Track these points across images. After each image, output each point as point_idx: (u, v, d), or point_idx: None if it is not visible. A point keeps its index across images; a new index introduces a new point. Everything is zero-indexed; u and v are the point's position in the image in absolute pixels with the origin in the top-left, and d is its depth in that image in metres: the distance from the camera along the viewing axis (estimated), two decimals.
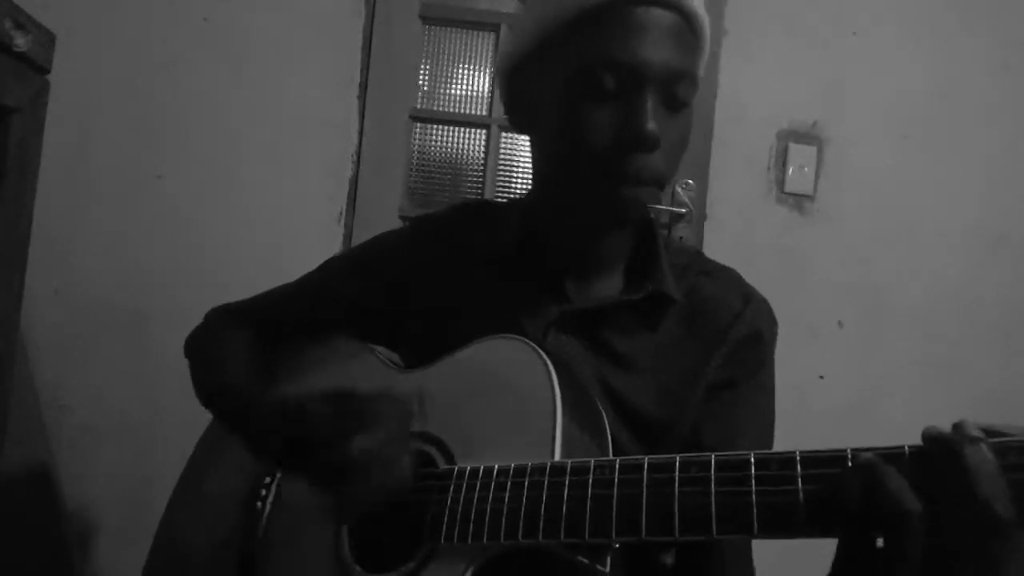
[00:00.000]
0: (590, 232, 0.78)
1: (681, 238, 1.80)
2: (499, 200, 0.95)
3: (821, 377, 1.80)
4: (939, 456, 0.45)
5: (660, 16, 0.68)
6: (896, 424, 1.76)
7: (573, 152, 0.71)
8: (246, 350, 0.87)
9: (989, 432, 0.45)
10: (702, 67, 0.76)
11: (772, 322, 0.81)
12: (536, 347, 0.69)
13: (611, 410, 0.73)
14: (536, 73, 0.75)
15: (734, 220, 1.82)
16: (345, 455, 0.63)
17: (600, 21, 0.68)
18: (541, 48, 0.74)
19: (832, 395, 1.79)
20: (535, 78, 0.75)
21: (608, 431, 0.68)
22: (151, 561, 0.87)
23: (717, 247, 1.79)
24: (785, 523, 0.50)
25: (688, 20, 0.70)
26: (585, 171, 0.70)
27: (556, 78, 0.71)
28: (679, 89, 0.69)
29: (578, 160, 0.70)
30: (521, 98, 0.79)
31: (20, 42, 0.97)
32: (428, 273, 0.84)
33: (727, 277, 0.83)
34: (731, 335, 0.77)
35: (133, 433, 1.71)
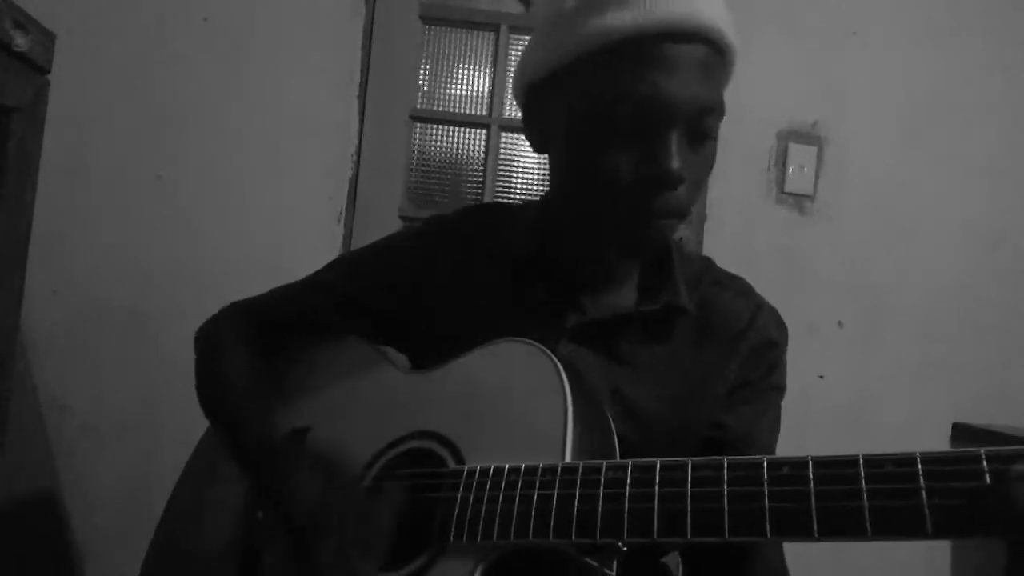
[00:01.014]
0: (608, 257, 0.79)
1: (681, 238, 1.80)
2: (512, 203, 0.95)
3: (821, 377, 1.80)
4: None
5: (690, 50, 0.65)
6: (896, 424, 1.76)
7: (596, 187, 0.69)
8: (252, 352, 0.87)
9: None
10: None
11: (783, 330, 0.82)
12: (548, 352, 0.69)
13: (623, 419, 0.73)
14: (555, 97, 0.73)
15: (734, 220, 1.82)
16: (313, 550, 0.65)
17: (625, 55, 0.65)
18: (563, 71, 0.71)
19: (832, 395, 1.79)
20: (554, 101, 0.73)
21: (616, 439, 0.68)
22: (150, 559, 0.87)
23: (717, 247, 1.79)
24: (797, 526, 0.49)
25: (719, 50, 0.68)
26: (607, 207, 0.69)
27: (577, 107, 0.69)
28: (707, 123, 0.67)
29: (600, 196, 0.69)
30: (537, 118, 0.77)
31: (20, 42, 0.97)
32: (439, 274, 0.84)
33: (738, 287, 0.83)
34: (743, 345, 0.78)
35: (133, 433, 1.71)
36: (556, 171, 0.77)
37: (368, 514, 0.67)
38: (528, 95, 0.77)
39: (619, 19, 0.65)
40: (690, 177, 0.68)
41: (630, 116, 0.66)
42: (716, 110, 0.68)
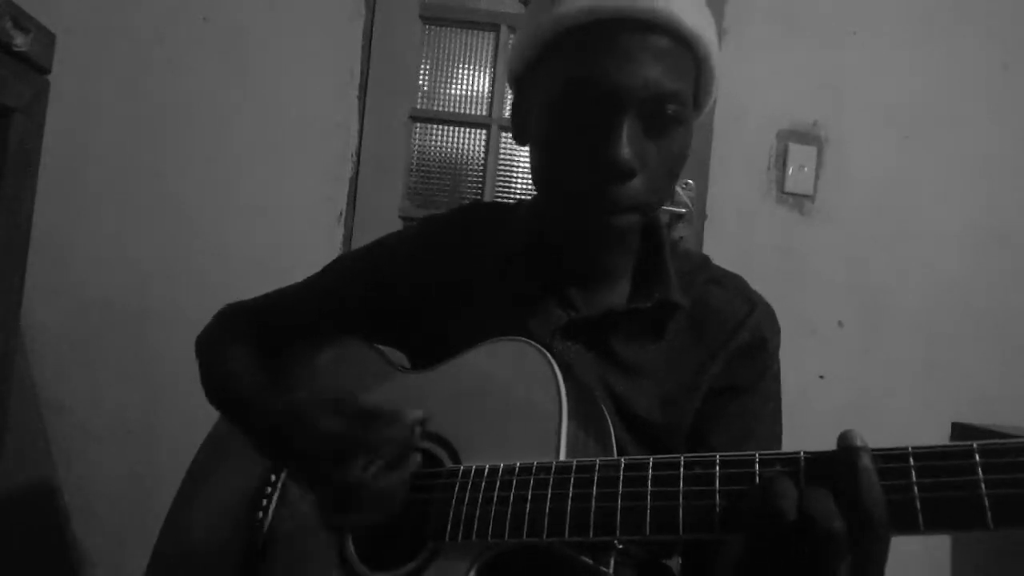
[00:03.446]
0: (583, 250, 0.79)
1: (681, 238, 1.80)
2: (506, 201, 0.95)
3: (821, 377, 1.80)
4: (842, 463, 0.48)
5: (646, 39, 0.65)
6: (896, 424, 1.76)
7: (551, 178, 0.70)
8: (255, 351, 0.87)
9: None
10: (709, 86, 0.73)
11: (776, 330, 0.81)
12: (543, 350, 0.69)
13: (616, 416, 0.73)
14: (527, 91, 0.75)
15: (734, 220, 1.82)
16: (342, 481, 0.64)
17: (579, 42, 0.66)
18: (531, 66, 0.73)
19: (832, 395, 1.79)
20: (526, 96, 0.75)
21: (613, 436, 0.68)
22: (156, 557, 0.88)
23: (717, 247, 1.79)
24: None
25: (684, 42, 0.67)
26: (562, 200, 0.70)
27: (540, 98, 0.71)
28: (666, 111, 0.66)
29: (556, 187, 0.70)
30: (518, 110, 0.79)
31: (20, 42, 0.97)
32: (435, 274, 0.84)
33: (733, 284, 0.82)
34: (734, 341, 0.77)
35: (133, 433, 1.72)
36: (531, 162, 0.78)
37: (385, 495, 0.66)
38: (514, 89, 0.79)
39: (575, 6, 0.66)
40: (648, 167, 0.67)
41: (581, 103, 0.66)
42: (677, 97, 0.67)
